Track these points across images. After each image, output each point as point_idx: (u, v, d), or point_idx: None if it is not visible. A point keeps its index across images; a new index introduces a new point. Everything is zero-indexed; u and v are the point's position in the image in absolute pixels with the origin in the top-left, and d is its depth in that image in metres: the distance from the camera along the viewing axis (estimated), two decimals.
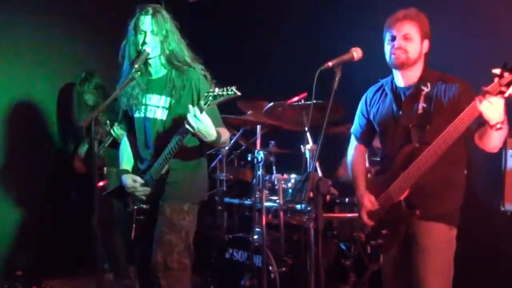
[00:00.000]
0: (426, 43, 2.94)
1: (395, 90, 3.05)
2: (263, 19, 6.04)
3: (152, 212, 3.34)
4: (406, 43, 2.88)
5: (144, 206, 3.39)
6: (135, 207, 3.41)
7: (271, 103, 4.19)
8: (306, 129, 4.21)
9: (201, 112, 2.91)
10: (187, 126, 2.93)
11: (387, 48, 2.95)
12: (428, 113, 2.87)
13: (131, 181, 3.35)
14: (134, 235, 3.43)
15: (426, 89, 2.90)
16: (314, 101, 2.79)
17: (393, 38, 2.91)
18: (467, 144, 2.93)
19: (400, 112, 2.98)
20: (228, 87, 2.87)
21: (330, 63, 2.59)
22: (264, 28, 6.00)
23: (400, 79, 3.01)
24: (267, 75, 5.77)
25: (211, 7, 6.65)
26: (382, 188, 3.01)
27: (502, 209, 3.67)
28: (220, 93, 2.88)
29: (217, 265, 4.55)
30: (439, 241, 2.87)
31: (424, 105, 2.88)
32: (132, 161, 3.52)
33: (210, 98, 2.90)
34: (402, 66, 2.92)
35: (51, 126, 5.72)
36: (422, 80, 2.94)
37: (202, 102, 2.93)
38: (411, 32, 2.88)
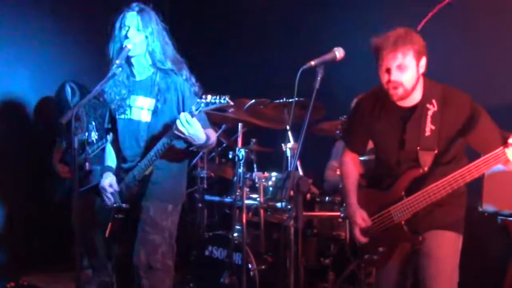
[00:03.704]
0: (423, 61, 2.75)
1: (397, 108, 2.87)
2: (246, 17, 6.03)
3: (133, 211, 3.31)
4: (401, 74, 2.68)
5: (124, 205, 3.36)
6: (114, 205, 3.38)
7: (253, 100, 4.19)
8: (288, 127, 4.21)
9: (191, 118, 2.90)
10: (177, 131, 2.92)
11: (382, 78, 2.75)
12: (437, 136, 2.76)
13: (107, 182, 3.33)
14: (108, 233, 3.40)
15: (432, 108, 2.77)
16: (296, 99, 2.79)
17: (387, 70, 2.71)
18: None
19: (405, 134, 2.83)
20: (221, 96, 2.85)
21: (312, 62, 2.59)
22: (247, 26, 5.99)
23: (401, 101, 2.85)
24: (250, 73, 5.76)
25: (193, 4, 6.62)
26: (377, 204, 2.96)
27: (480, 209, 3.73)
28: (213, 101, 2.86)
29: (196, 262, 4.54)
30: (449, 250, 2.84)
31: (432, 127, 2.76)
32: (116, 160, 3.48)
33: (202, 104, 2.89)
34: (402, 99, 2.78)
35: (33, 123, 5.66)
36: (426, 97, 2.79)
37: (193, 108, 2.91)
38: (406, 61, 2.67)
